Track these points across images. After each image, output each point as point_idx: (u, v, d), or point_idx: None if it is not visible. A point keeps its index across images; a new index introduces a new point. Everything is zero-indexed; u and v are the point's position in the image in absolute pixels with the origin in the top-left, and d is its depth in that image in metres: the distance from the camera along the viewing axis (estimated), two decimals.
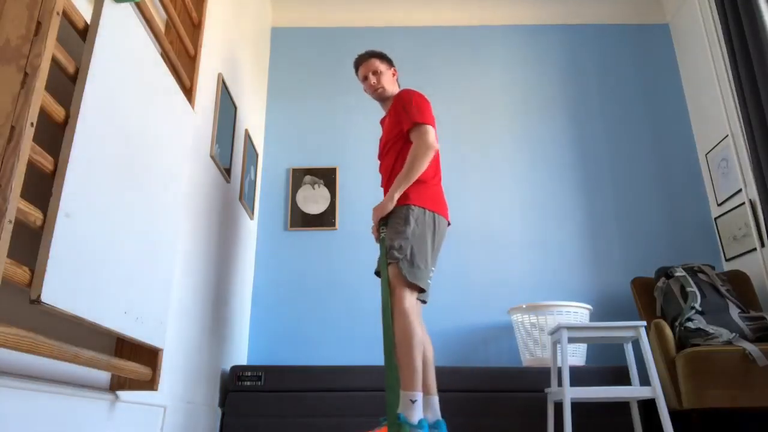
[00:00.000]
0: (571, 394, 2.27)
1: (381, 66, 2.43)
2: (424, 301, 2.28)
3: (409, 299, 2.04)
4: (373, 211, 2.24)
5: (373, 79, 2.42)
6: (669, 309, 2.80)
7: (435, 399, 2.14)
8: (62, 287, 1.11)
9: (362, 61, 2.47)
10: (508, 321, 3.23)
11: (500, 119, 3.73)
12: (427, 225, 2.15)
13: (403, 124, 2.25)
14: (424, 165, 2.17)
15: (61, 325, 1.37)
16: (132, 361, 1.53)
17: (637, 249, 3.40)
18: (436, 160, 2.31)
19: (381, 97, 2.44)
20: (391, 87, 2.44)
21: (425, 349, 2.14)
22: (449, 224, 2.29)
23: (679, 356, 2.44)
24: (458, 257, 3.39)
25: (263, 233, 3.45)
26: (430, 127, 2.20)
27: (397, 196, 2.16)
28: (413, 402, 1.91)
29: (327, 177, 3.55)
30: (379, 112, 3.74)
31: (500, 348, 3.20)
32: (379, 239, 2.21)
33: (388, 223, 2.18)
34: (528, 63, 3.87)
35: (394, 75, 2.48)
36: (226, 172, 2.69)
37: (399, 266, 2.05)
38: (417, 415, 1.90)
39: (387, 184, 2.34)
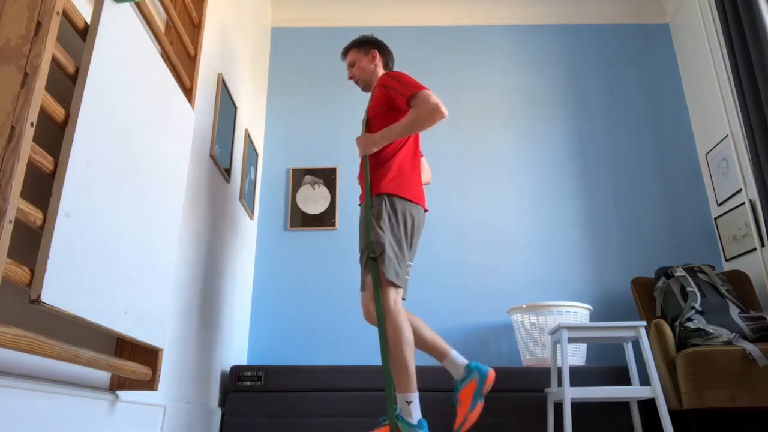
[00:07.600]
0: (571, 394, 2.27)
1: (355, 56, 2.47)
2: (403, 298, 2.21)
3: (394, 298, 2.00)
4: (357, 143, 2.24)
5: (349, 72, 2.49)
6: (669, 309, 2.80)
7: (454, 354, 2.07)
8: (62, 287, 1.11)
9: (342, 56, 2.55)
10: (508, 321, 3.23)
11: (500, 119, 3.73)
12: (401, 214, 2.10)
13: (397, 101, 2.18)
14: (427, 124, 2.10)
15: (61, 325, 1.37)
16: (132, 361, 1.53)
17: (637, 249, 3.40)
18: (414, 152, 2.27)
19: (361, 85, 2.47)
20: (368, 71, 2.44)
21: (415, 322, 2.08)
22: (426, 211, 2.24)
23: (679, 356, 2.44)
24: (458, 257, 3.39)
25: (263, 233, 3.44)
26: (429, 92, 2.11)
27: (385, 141, 2.15)
28: (409, 403, 1.91)
29: (327, 177, 3.55)
30: None
31: (500, 348, 3.20)
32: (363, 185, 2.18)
33: (366, 216, 2.11)
34: (528, 63, 3.87)
35: (373, 58, 2.45)
36: (226, 172, 2.69)
37: (380, 266, 2.01)
38: (415, 415, 1.91)
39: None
